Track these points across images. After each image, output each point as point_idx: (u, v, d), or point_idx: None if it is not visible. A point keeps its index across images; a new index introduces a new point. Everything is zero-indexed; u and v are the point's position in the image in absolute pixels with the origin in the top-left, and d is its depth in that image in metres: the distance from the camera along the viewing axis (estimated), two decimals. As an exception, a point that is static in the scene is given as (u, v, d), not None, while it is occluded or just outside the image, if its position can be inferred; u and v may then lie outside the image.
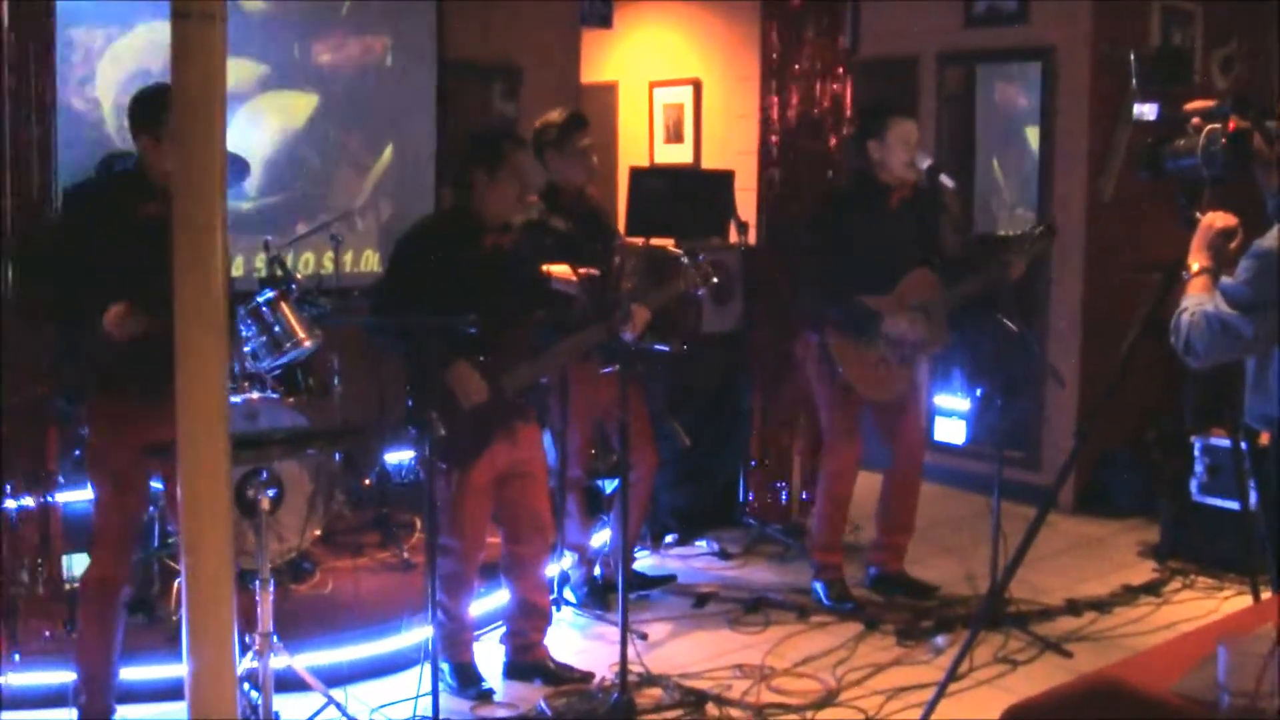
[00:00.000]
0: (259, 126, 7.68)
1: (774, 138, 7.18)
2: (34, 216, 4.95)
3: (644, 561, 6.70)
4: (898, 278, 5.98)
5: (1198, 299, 3.73)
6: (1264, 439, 4.12)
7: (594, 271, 5.35)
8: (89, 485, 4.78)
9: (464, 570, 5.06)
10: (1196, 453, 6.78)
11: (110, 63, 7.13)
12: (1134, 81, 7.11)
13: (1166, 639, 5.74)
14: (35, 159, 4.97)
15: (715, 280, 5.51)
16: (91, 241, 4.56)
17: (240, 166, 6.28)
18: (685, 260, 5.44)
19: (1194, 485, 6.79)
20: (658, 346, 5.68)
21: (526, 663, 5.35)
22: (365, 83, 8.14)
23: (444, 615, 5.02)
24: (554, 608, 5.79)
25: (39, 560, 5.17)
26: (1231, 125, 3.94)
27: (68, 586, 5.25)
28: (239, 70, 7.41)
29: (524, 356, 5.05)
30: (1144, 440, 7.80)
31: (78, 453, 6.61)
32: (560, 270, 5.48)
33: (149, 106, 4.60)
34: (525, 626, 5.34)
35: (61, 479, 5.49)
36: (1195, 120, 4.05)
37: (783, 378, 7.25)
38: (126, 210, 4.57)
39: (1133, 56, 7.09)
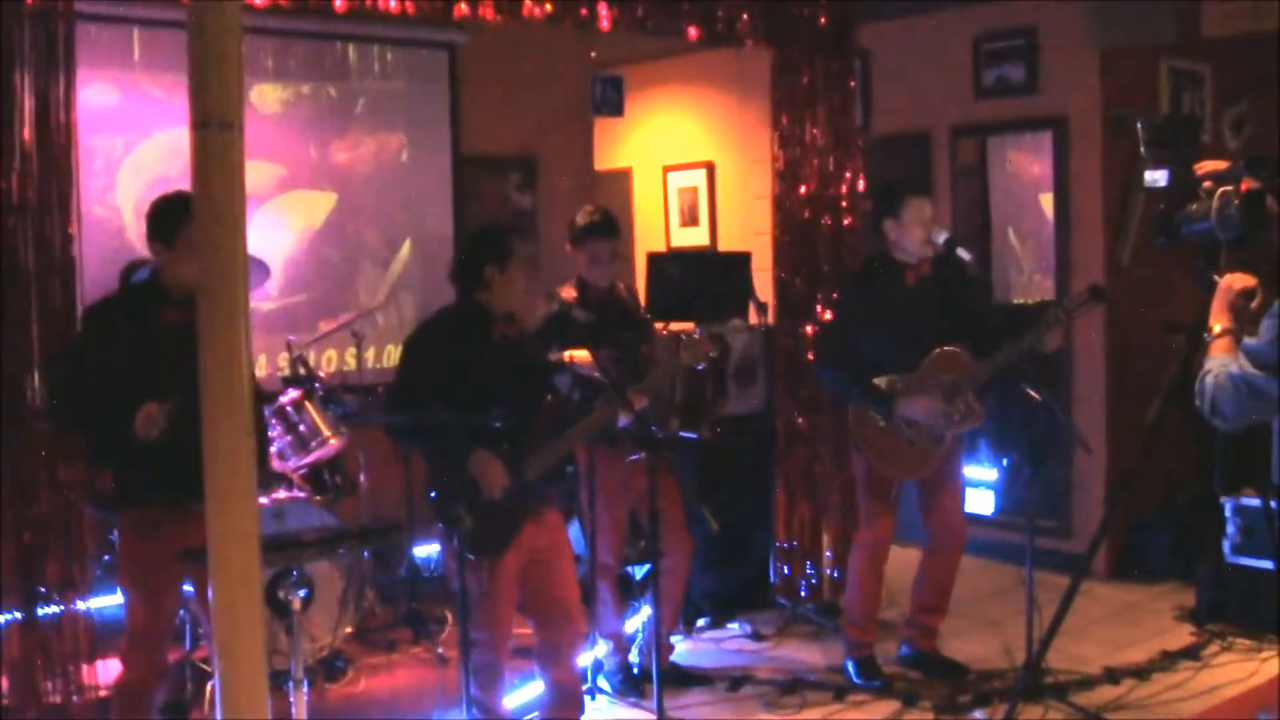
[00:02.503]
0: (279, 227, 7.77)
1: (789, 218, 7.22)
2: (59, 327, 4.99)
3: (679, 647, 6.66)
4: (922, 355, 5.96)
5: (1221, 360, 3.73)
6: (1295, 498, 4.10)
7: (606, 363, 5.39)
8: (120, 590, 4.82)
9: (497, 661, 5.02)
10: (1228, 514, 6.74)
11: (130, 170, 7.23)
12: (1142, 149, 7.12)
13: (1207, 705, 5.72)
14: (60, 270, 5.01)
15: (713, 355, 5.53)
16: (115, 355, 4.64)
17: (261, 270, 6.34)
18: (683, 337, 5.47)
19: (1227, 547, 6.74)
20: (685, 434, 5.69)
21: (561, 754, 5.30)
22: (382, 179, 8.23)
23: (479, 711, 4.99)
24: (588, 696, 5.75)
25: (71, 667, 5.15)
26: (1244, 186, 3.96)
27: (101, 693, 5.23)
28: (257, 172, 7.50)
29: (541, 442, 5.07)
30: (1175, 503, 7.76)
31: (107, 558, 6.64)
32: (581, 356, 5.55)
33: (164, 216, 4.71)
34: (558, 716, 5.30)
35: (91, 584, 5.50)
36: (1207, 184, 4.07)
37: (807, 456, 7.24)
38: (146, 319, 4.67)
39: (1139, 124, 7.10)
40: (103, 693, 5.22)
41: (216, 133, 3.10)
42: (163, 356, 4.49)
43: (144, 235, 7.04)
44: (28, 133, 4.91)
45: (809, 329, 7.17)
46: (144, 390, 4.55)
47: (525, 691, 5.71)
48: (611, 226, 6.02)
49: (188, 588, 5.02)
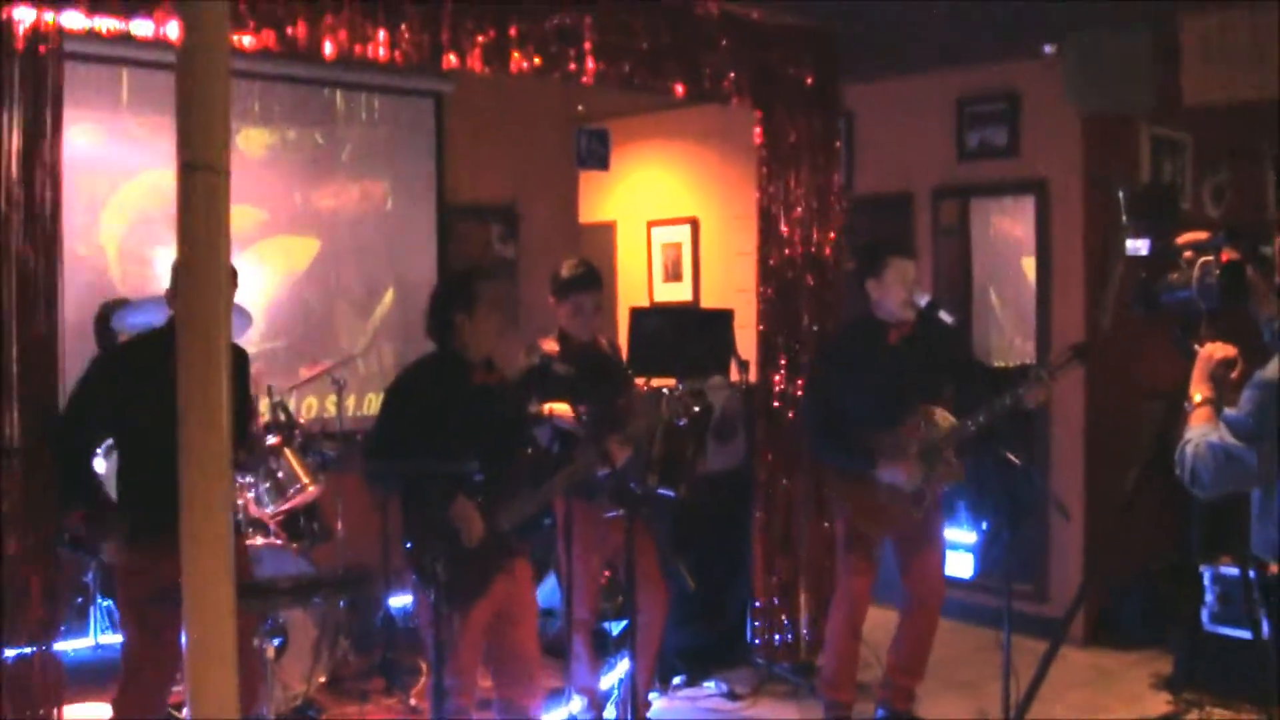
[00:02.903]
0: (261, 272, 7.75)
1: (772, 276, 7.24)
2: (41, 366, 4.97)
3: (653, 706, 6.61)
4: (903, 413, 5.96)
5: (1201, 430, 3.74)
6: (1273, 568, 4.10)
7: (585, 415, 5.39)
8: (120, 630, 4.84)
9: (467, 709, 5.00)
10: (1206, 582, 6.73)
11: (114, 210, 7.23)
12: (1124, 218, 7.17)
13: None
14: (42, 308, 5.00)
15: (696, 409, 5.52)
16: (125, 403, 4.70)
17: (243, 319, 6.33)
18: (665, 392, 5.47)
19: (1205, 615, 6.73)
20: (662, 491, 5.68)
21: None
22: (366, 226, 8.23)
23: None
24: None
25: (40, 711, 5.10)
26: (1224, 257, 3.98)
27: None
28: (241, 216, 7.49)
29: (517, 492, 5.05)
30: (1152, 570, 7.75)
31: (79, 600, 6.59)
32: (560, 409, 5.55)
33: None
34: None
35: (63, 626, 5.47)
36: (1188, 254, 4.09)
37: (786, 514, 7.23)
38: (161, 369, 4.68)
39: (1121, 194, 7.15)
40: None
41: (203, 177, 3.10)
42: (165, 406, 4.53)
43: (128, 275, 7.14)
44: (14, 171, 4.90)
45: (790, 387, 7.18)
46: (150, 433, 4.60)
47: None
48: (595, 279, 6.02)
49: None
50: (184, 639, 3.13)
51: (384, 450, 5.00)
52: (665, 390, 5.51)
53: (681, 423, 5.57)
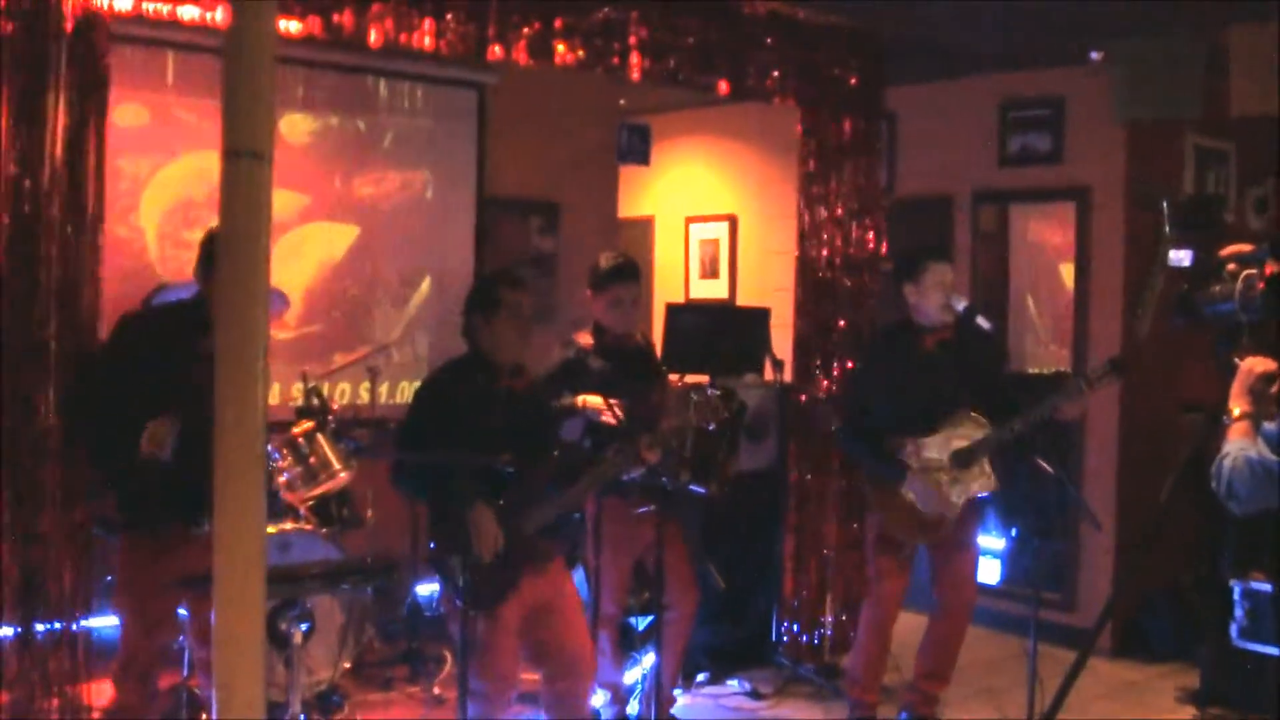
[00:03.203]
0: (299, 257, 7.77)
1: (810, 276, 7.23)
2: (79, 345, 4.99)
3: (677, 703, 6.61)
4: (939, 419, 5.94)
5: (1240, 444, 3.71)
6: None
7: (618, 409, 5.37)
8: (115, 613, 4.85)
9: (493, 713, 4.97)
10: (1236, 597, 6.68)
11: (155, 192, 7.25)
12: (1167, 229, 7.12)
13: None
14: (83, 288, 5.02)
15: (726, 415, 5.50)
16: (143, 369, 4.69)
17: (280, 301, 6.35)
18: (695, 396, 5.46)
19: (1234, 630, 6.69)
20: (694, 488, 5.67)
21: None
22: (405, 216, 8.23)
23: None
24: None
25: (69, 687, 5.13)
26: (1269, 270, 3.95)
27: (94, 715, 5.21)
28: (280, 201, 7.50)
29: (543, 496, 5.03)
30: (1181, 583, 7.70)
31: (110, 579, 6.63)
32: (594, 401, 5.54)
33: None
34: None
35: (92, 605, 5.50)
36: (1231, 265, 4.06)
37: (816, 514, 7.22)
38: (183, 342, 4.69)
39: (1165, 204, 7.11)
40: (96, 715, 5.21)
41: (246, 163, 3.11)
42: (192, 381, 4.52)
43: (166, 258, 7.17)
44: (59, 151, 4.92)
45: (825, 387, 7.17)
46: (165, 409, 4.61)
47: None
48: (634, 271, 6.00)
49: (181, 611, 5.04)
50: (212, 627, 3.15)
51: (409, 451, 5.00)
52: (694, 395, 5.49)
53: (710, 428, 5.55)
